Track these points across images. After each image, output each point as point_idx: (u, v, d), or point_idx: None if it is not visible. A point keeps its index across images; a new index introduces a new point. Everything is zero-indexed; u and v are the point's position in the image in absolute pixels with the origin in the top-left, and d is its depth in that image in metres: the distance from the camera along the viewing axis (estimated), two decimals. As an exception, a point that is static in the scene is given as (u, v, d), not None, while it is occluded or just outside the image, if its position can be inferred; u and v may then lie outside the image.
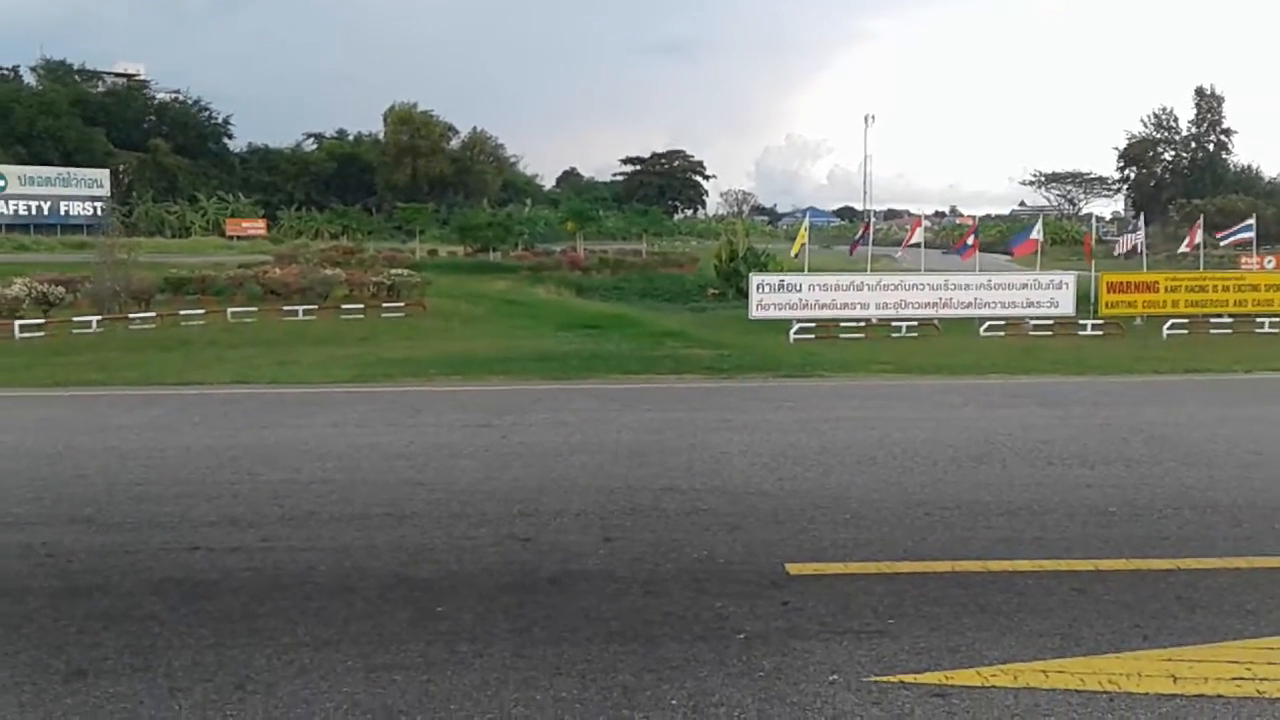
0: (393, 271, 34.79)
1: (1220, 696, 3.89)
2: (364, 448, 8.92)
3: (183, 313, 26.65)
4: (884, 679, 4.07)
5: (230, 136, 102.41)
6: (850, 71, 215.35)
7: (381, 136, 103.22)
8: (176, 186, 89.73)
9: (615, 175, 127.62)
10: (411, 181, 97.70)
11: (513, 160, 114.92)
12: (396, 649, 4.42)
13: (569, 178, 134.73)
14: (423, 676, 4.14)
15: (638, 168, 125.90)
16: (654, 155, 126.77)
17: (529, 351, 18.85)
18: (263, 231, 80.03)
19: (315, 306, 28.42)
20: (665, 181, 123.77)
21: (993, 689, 3.96)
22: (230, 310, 27.29)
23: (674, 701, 3.90)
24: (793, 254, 31.43)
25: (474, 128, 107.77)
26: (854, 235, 42.95)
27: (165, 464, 8.36)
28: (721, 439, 9.21)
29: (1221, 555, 5.66)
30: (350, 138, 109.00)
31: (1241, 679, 4.03)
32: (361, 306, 28.97)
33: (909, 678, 4.07)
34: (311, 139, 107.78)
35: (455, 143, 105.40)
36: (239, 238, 75.36)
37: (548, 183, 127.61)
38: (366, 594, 5.14)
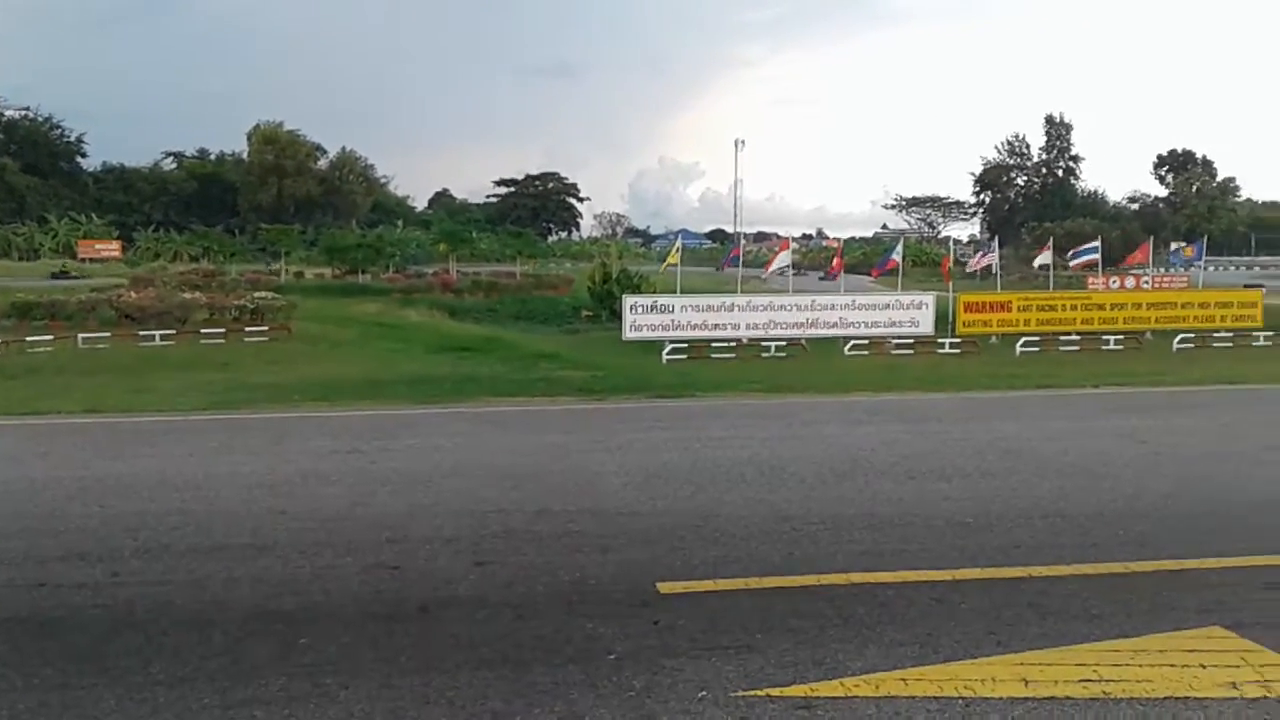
0: (256, 295, 33.75)
1: (1069, 698, 4.07)
2: (223, 476, 8.61)
3: (30, 339, 25.30)
4: (751, 693, 4.13)
5: (83, 155, 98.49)
6: (723, 96, 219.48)
7: (245, 156, 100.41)
8: (25, 207, 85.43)
9: (489, 197, 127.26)
10: (277, 202, 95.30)
11: (383, 181, 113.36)
12: (256, 684, 4.28)
13: (441, 199, 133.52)
14: (284, 711, 4.02)
15: (512, 189, 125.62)
16: (528, 177, 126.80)
17: (400, 375, 18.53)
18: (117, 254, 76.60)
19: (173, 331, 27.32)
20: (539, 203, 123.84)
21: (855, 699, 4.06)
22: (81, 336, 26.00)
23: (544, 725, 3.88)
24: (661, 269, 31.78)
25: (343, 148, 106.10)
26: (722, 258, 43.69)
27: (9, 498, 7.92)
28: (595, 460, 9.22)
29: (1070, 563, 5.93)
30: (212, 157, 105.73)
31: (1089, 681, 4.22)
32: (223, 331, 27.98)
33: (775, 691, 4.14)
34: (171, 158, 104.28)
35: (323, 163, 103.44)
36: (92, 260, 71.98)
37: (420, 204, 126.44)
38: (225, 628, 4.95)
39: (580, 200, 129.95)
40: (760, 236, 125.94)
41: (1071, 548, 6.27)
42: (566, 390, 15.78)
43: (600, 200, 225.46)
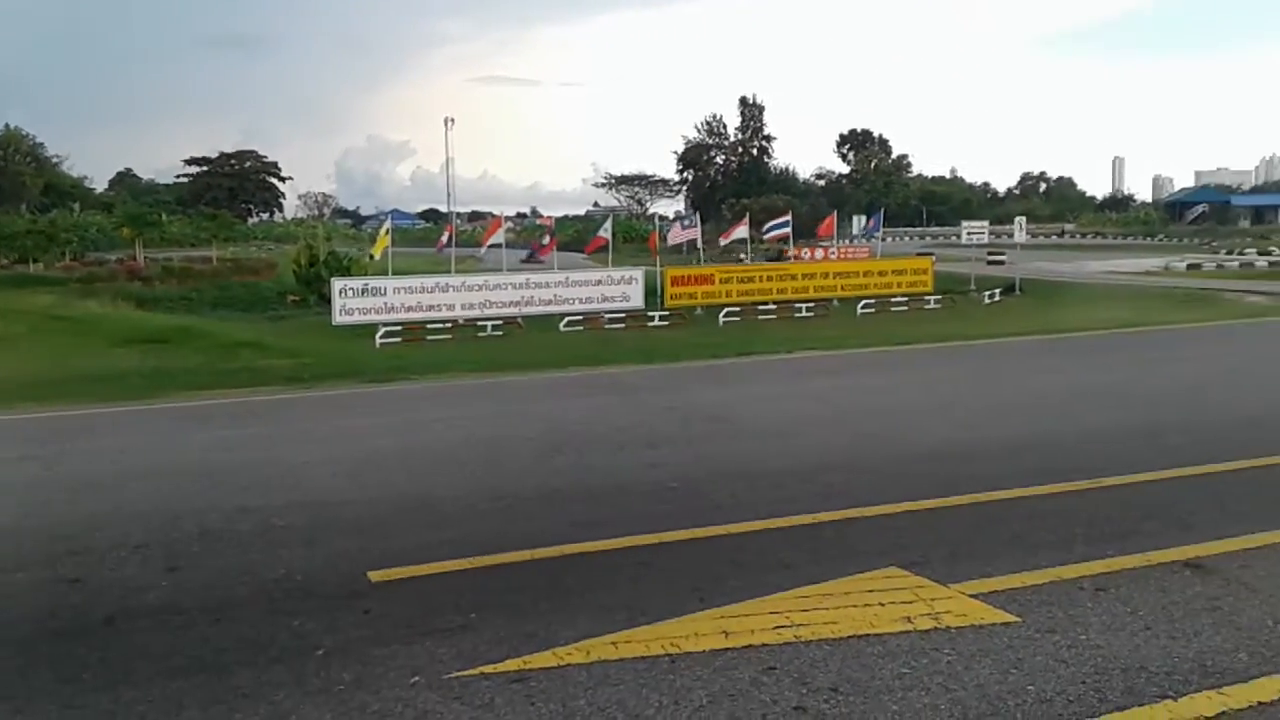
0: (-97, 289, 29.83)
1: (765, 645, 4.33)
2: None
3: None
4: (465, 673, 4.12)
5: None
6: (431, 73, 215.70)
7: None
8: None
9: (179, 177, 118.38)
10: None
11: (55, 161, 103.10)
12: (-93, 725, 3.81)
13: (125, 180, 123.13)
14: (-58, 751, 3.61)
15: (204, 169, 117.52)
16: (222, 155, 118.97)
17: (80, 372, 16.96)
18: None
19: None
20: (236, 183, 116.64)
21: (568, 667, 4.14)
22: None
23: (246, 731, 3.70)
24: (373, 256, 30.92)
25: (5, 125, 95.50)
26: (438, 237, 42.94)
27: None
28: (301, 451, 8.86)
29: (765, 518, 6.29)
30: None
31: (782, 627, 4.51)
32: None
33: (489, 669, 4.15)
34: None
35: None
36: None
37: (100, 185, 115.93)
38: None
39: (282, 180, 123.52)
40: (475, 216, 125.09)
41: (767, 503, 6.65)
42: (271, 380, 15.04)
43: (304, 180, 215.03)
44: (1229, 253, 59.12)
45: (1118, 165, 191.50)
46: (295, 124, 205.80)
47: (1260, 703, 3.67)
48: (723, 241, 36.55)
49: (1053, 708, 3.69)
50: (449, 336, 24.69)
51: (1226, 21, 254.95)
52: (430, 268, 34.15)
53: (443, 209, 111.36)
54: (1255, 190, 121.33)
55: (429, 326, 25.07)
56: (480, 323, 25.79)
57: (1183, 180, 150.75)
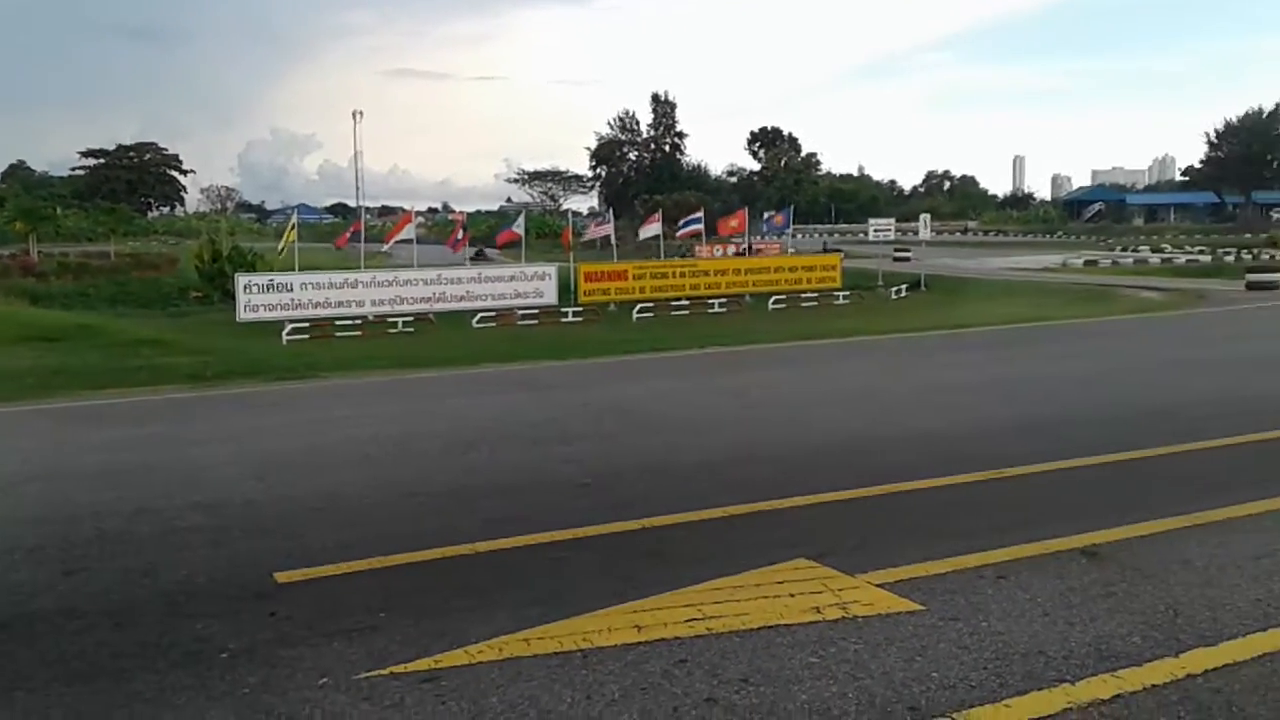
0: None
1: (677, 638, 4.36)
2: None
3: None
4: (375, 674, 4.06)
5: None
6: (338, 66, 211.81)
7: None
8: None
9: (75, 169, 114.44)
10: None
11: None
12: None
13: (17, 172, 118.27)
14: None
15: (102, 161, 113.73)
16: (121, 148, 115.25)
17: (-32, 371, 16.26)
18: None
19: None
20: (136, 176, 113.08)
21: (480, 664, 4.11)
22: None
23: (147, 738, 3.60)
24: (279, 252, 30.26)
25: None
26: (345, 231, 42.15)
27: None
28: (204, 451, 8.63)
29: (679, 511, 6.34)
30: None
31: (695, 619, 4.54)
32: None
33: (400, 668, 4.10)
34: None
35: None
36: None
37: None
38: None
39: (184, 173, 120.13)
40: (385, 211, 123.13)
41: (680, 497, 6.69)
42: (173, 378, 14.62)
43: (207, 173, 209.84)
44: (1124, 250, 61.26)
45: (1018, 164, 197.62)
46: (197, 116, 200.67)
47: (1153, 685, 3.81)
48: (641, 235, 36.58)
49: (955, 694, 3.78)
50: (359, 334, 24.30)
51: (1119, 28, 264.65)
52: (338, 264, 33.57)
53: (351, 204, 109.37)
54: (1149, 189, 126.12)
55: (338, 323, 24.64)
56: (391, 319, 25.44)
57: (1080, 179, 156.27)
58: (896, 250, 50.17)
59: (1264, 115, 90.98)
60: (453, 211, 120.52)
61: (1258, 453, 7.72)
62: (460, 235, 31.44)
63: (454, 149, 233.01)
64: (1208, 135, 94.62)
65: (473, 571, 5.30)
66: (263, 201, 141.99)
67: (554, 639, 4.34)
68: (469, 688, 3.92)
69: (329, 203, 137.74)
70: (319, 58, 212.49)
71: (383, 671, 4.08)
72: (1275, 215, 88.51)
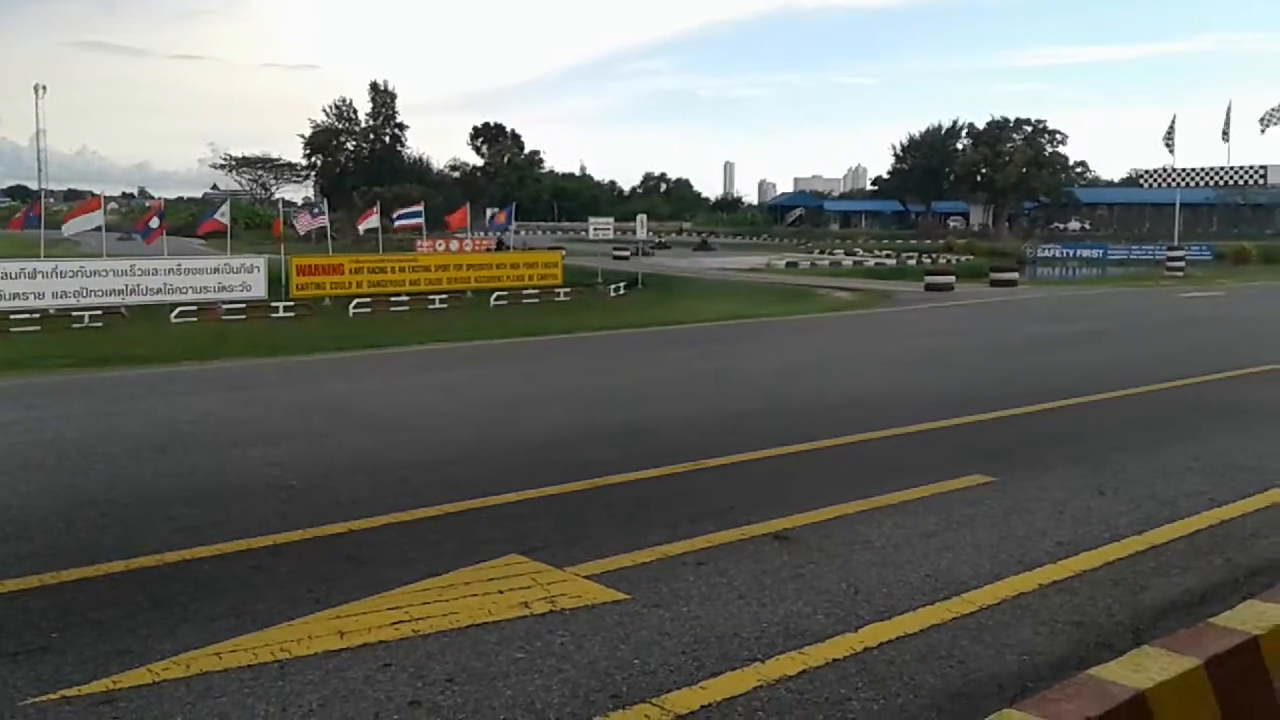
0: None
1: (382, 642, 4.26)
2: None
3: None
4: (44, 698, 3.72)
5: None
6: (17, 34, 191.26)
7: None
8: None
9: None
10: None
11: None
12: None
13: None
14: None
15: None
16: None
17: None
18: None
19: None
20: None
21: (164, 683, 3.85)
22: None
23: None
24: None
25: None
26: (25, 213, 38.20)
27: None
28: None
29: (389, 512, 6.19)
30: None
31: (401, 622, 4.46)
32: None
33: (73, 691, 3.78)
34: None
35: None
36: None
37: None
38: None
39: None
40: (72, 194, 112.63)
41: (391, 497, 6.55)
42: None
43: None
44: (821, 252, 65.63)
45: (729, 170, 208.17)
46: None
47: (835, 659, 4.11)
48: (360, 228, 35.42)
49: (656, 679, 3.92)
50: (37, 328, 22.06)
51: (819, 44, 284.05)
52: (17, 250, 30.37)
53: (33, 186, 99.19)
54: (844, 196, 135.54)
55: (13, 317, 22.29)
56: (76, 312, 23.29)
57: (784, 185, 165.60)
58: (616, 249, 51.48)
59: (942, 131, 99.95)
60: (150, 198, 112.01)
61: (926, 439, 8.50)
62: (155, 223, 28.99)
63: (153, 130, 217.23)
64: (894, 148, 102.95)
65: (160, 584, 4.95)
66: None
67: (248, 651, 4.14)
68: (151, 708, 3.66)
69: (7, 184, 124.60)
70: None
71: (53, 695, 3.75)
72: (951, 223, 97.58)
